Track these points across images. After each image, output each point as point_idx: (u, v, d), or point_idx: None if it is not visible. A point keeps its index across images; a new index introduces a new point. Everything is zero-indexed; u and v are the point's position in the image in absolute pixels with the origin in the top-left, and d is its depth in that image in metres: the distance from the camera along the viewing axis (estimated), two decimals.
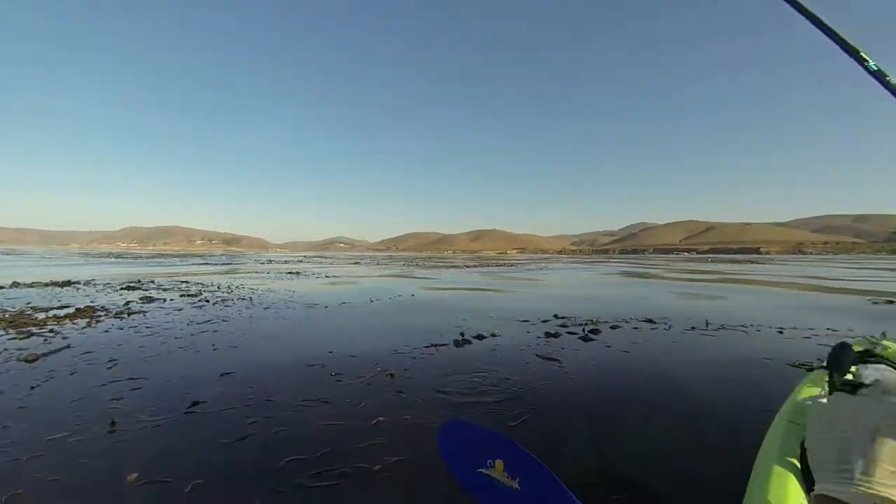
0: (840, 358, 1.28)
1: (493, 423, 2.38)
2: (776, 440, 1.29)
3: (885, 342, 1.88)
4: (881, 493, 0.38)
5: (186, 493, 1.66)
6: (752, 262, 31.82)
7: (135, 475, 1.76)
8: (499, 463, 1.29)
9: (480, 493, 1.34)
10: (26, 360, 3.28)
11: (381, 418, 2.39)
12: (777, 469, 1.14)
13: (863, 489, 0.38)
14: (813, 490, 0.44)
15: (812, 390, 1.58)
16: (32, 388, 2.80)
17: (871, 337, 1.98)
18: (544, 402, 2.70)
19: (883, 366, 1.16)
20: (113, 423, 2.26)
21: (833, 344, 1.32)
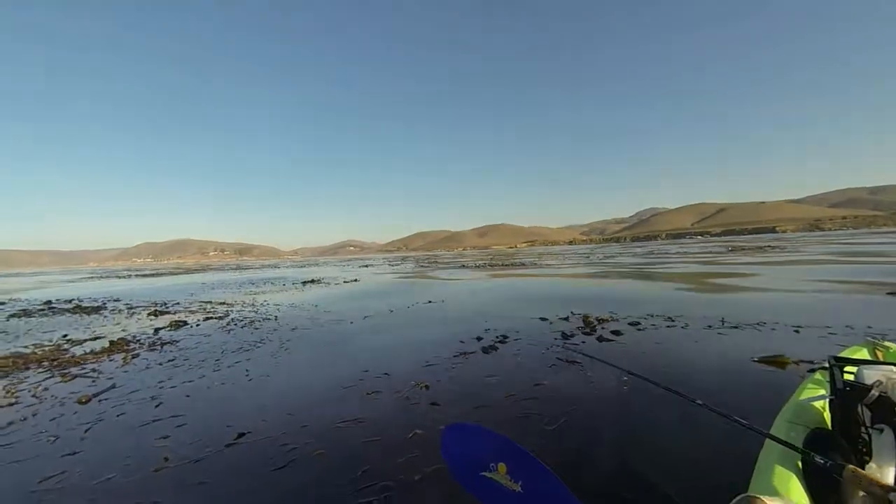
0: (841, 359, 1.29)
1: (522, 425, 2.52)
2: (771, 458, 1.26)
3: (886, 343, 1.91)
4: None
5: None
6: (769, 248, 31.12)
7: None
8: (501, 466, 1.28)
9: (484, 496, 1.33)
10: (79, 402, 3.39)
11: (417, 431, 2.53)
12: (778, 469, 1.14)
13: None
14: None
15: (814, 391, 1.57)
16: (86, 430, 2.89)
17: (873, 338, 2.03)
18: (571, 403, 2.83)
19: (884, 367, 1.16)
20: (166, 460, 2.36)
21: (847, 344, 1.32)
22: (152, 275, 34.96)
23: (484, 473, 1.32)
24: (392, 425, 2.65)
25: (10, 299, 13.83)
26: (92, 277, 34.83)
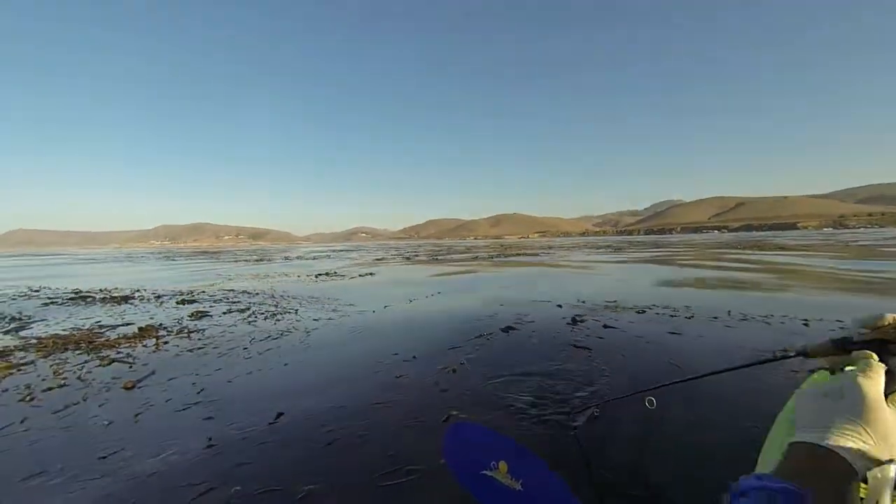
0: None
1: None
2: (777, 440, 1.29)
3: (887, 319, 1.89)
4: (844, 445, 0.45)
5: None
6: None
7: (237, 487, 2.05)
8: (503, 464, 1.29)
9: (483, 494, 1.34)
10: (125, 388, 3.60)
11: (453, 412, 2.79)
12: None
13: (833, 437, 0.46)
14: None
15: None
16: (136, 415, 3.08)
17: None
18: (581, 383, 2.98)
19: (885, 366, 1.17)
20: (210, 440, 2.56)
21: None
22: (170, 258, 35.77)
23: (485, 472, 1.32)
24: (422, 409, 2.92)
25: (41, 287, 14.39)
26: (117, 260, 35.83)
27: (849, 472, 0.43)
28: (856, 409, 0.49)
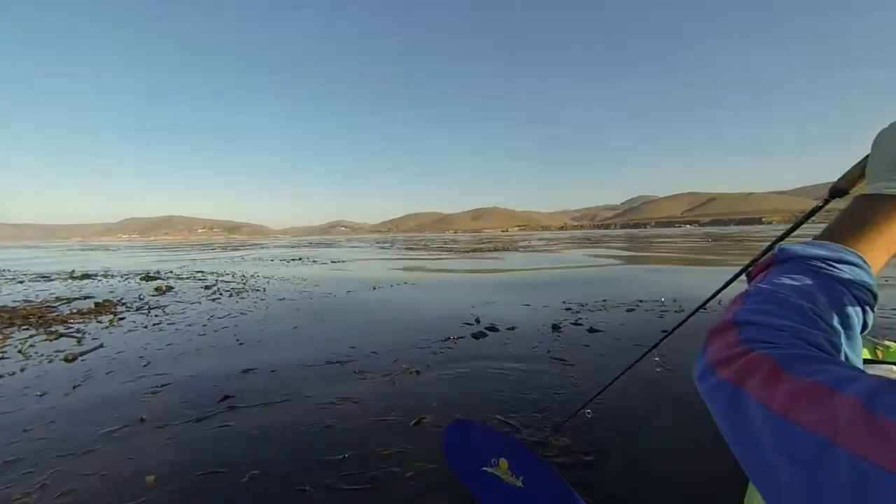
0: None
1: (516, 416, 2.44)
2: None
3: (886, 342, 1.93)
4: None
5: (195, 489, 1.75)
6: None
7: (152, 477, 1.82)
8: (503, 461, 1.29)
9: (484, 491, 1.34)
10: (66, 360, 3.43)
11: (403, 416, 2.44)
12: None
13: None
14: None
15: None
16: (74, 387, 2.94)
17: (873, 338, 2.02)
18: (552, 391, 2.77)
19: (884, 366, 1.20)
20: (142, 420, 2.38)
21: None
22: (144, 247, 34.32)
23: (485, 469, 1.32)
24: (381, 409, 2.50)
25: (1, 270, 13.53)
26: (84, 250, 34.10)
27: None
28: None
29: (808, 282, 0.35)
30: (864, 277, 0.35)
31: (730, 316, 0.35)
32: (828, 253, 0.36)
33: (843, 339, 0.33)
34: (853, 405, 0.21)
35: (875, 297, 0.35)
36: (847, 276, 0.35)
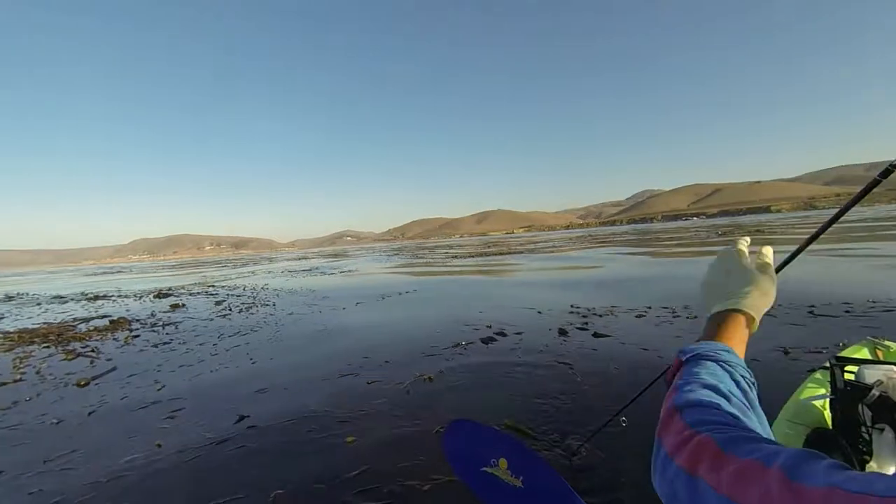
0: (842, 358, 1.29)
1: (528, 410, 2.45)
2: (777, 440, 1.28)
3: (886, 342, 1.88)
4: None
5: None
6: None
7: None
8: (503, 461, 1.29)
9: (484, 491, 1.34)
10: (78, 385, 3.45)
11: (420, 424, 2.43)
12: None
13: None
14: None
15: (814, 391, 1.55)
16: (90, 413, 2.93)
17: (874, 338, 1.97)
18: (563, 392, 2.76)
19: (884, 366, 1.16)
20: (159, 446, 2.34)
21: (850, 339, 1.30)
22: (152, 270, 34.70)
23: (485, 469, 1.32)
24: (396, 419, 2.51)
25: (18, 293, 13.77)
26: (97, 273, 34.63)
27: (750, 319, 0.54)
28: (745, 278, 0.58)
29: (715, 370, 0.45)
30: (742, 361, 0.47)
31: (669, 404, 0.42)
32: (714, 347, 0.48)
33: (751, 412, 0.40)
34: (779, 478, 0.25)
35: (752, 375, 0.46)
36: (735, 360, 0.46)
